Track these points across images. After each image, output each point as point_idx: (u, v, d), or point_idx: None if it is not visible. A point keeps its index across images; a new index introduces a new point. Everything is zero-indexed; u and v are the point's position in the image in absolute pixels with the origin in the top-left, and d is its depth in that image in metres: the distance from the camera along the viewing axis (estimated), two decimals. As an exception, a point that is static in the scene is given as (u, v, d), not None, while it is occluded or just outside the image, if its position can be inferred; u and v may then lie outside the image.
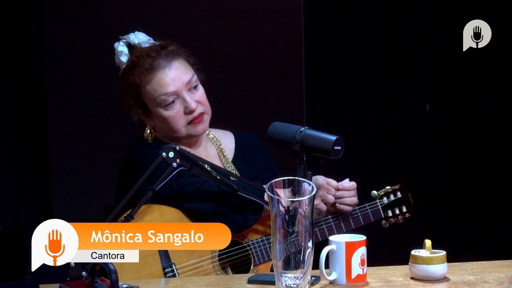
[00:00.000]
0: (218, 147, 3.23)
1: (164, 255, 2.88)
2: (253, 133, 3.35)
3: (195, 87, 3.11)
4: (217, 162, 3.18)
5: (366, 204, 3.18)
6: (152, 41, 3.15)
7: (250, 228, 3.01)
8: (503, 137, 4.89)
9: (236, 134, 3.30)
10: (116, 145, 4.34)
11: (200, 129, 3.12)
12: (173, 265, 2.89)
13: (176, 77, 3.08)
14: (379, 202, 3.19)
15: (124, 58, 3.12)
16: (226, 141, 3.27)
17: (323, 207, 3.10)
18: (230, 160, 3.22)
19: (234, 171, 3.17)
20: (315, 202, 3.05)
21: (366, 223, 3.16)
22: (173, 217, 2.94)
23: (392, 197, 3.20)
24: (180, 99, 3.09)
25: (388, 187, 3.22)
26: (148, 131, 3.14)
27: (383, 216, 3.19)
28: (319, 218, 3.13)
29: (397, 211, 3.21)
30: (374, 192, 3.20)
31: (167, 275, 2.87)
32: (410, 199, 3.22)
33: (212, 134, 3.26)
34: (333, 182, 3.11)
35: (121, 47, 3.13)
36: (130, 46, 3.13)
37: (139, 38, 3.14)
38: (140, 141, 3.17)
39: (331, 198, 3.09)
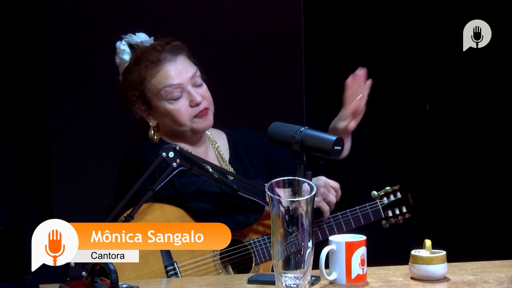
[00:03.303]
0: (215, 148, 3.23)
1: (166, 253, 2.88)
2: (245, 128, 3.34)
3: (199, 83, 3.12)
4: (215, 163, 3.18)
5: (367, 204, 3.18)
6: (153, 41, 3.16)
7: (251, 228, 3.01)
8: (503, 137, 4.89)
9: (228, 134, 3.30)
10: (116, 145, 4.34)
11: (205, 124, 3.12)
12: (175, 263, 2.89)
13: (181, 70, 3.09)
14: (379, 202, 3.20)
15: (126, 57, 3.13)
16: (221, 141, 3.27)
17: (325, 207, 3.08)
18: (227, 160, 3.22)
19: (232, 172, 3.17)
20: (316, 199, 3.04)
21: (366, 223, 3.17)
22: (175, 215, 2.94)
23: (392, 198, 3.21)
24: (185, 92, 3.09)
25: (388, 188, 3.23)
26: (152, 131, 3.13)
27: (383, 216, 3.20)
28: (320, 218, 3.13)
29: (397, 211, 3.22)
30: (374, 192, 3.20)
31: (169, 273, 2.87)
32: (410, 199, 3.23)
33: (209, 133, 3.26)
34: (333, 183, 3.11)
35: (123, 46, 3.14)
36: (131, 46, 3.14)
37: (141, 37, 3.15)
38: (138, 142, 3.17)
39: (332, 198, 3.08)
